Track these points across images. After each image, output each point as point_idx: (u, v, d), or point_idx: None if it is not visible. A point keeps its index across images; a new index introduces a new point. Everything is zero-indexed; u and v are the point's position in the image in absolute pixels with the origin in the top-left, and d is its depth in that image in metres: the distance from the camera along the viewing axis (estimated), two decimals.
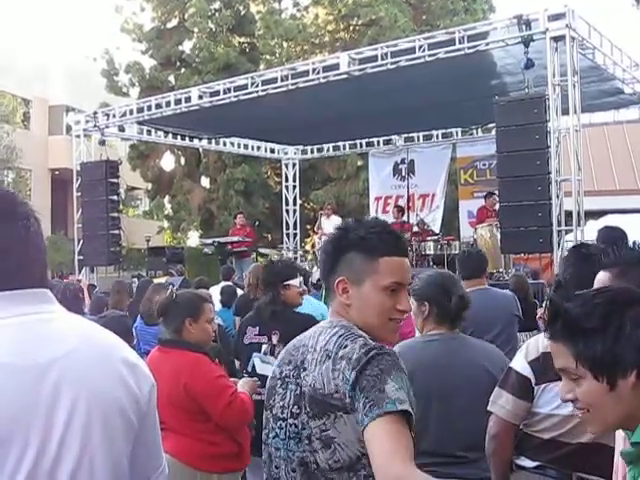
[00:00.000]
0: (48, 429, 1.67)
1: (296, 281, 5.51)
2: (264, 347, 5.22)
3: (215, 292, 9.85)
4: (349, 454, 2.25)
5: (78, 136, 18.66)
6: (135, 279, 15.79)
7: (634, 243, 2.56)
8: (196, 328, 4.61)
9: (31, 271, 1.83)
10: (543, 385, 3.42)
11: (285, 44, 30.32)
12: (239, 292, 11.05)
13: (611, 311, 1.89)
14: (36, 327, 1.77)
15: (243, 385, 4.73)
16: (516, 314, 6.33)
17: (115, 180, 17.56)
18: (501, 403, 3.53)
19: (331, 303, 2.59)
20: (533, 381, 3.45)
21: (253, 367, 5.21)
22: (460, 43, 12.58)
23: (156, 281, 11.99)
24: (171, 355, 4.47)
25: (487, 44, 12.70)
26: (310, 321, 5.34)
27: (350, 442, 2.24)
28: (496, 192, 14.46)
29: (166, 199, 32.84)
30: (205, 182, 32.11)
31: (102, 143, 18.29)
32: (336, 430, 2.25)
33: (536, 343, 3.52)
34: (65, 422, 1.70)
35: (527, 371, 3.47)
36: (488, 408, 3.60)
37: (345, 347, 2.28)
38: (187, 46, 30.94)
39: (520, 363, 3.52)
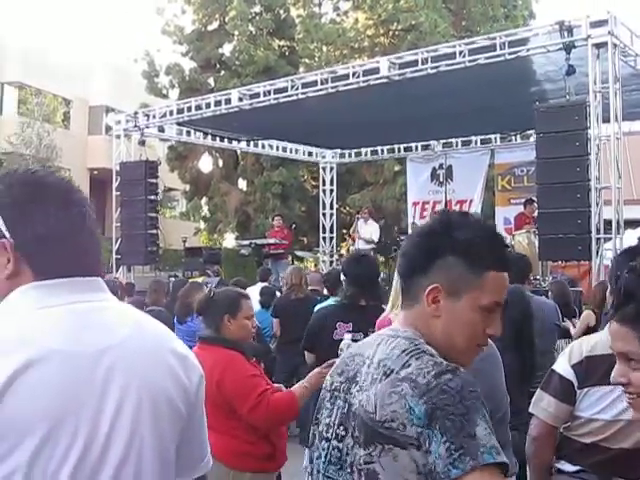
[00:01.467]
0: (98, 417, 1.68)
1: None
2: None
3: (252, 293, 9.88)
4: None
5: (118, 136, 18.82)
6: (172, 279, 15.90)
7: None
8: (234, 324, 4.62)
9: (85, 259, 1.85)
10: (586, 389, 3.41)
11: (324, 48, 30.31)
12: (278, 294, 11.14)
13: None
14: (89, 315, 1.78)
15: (310, 377, 4.68)
16: (557, 323, 6.29)
17: (154, 180, 17.71)
18: (543, 405, 3.52)
19: (406, 307, 2.15)
20: (576, 385, 3.44)
21: None
22: (501, 49, 12.56)
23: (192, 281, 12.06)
24: (208, 352, 4.43)
25: (528, 50, 12.66)
26: None
27: None
28: (534, 199, 14.41)
29: (203, 201, 32.94)
30: (242, 184, 32.19)
31: (142, 143, 18.46)
32: (380, 465, 1.86)
33: (580, 347, 3.50)
34: (115, 411, 1.71)
35: (570, 374, 3.45)
36: (530, 410, 3.60)
37: (408, 366, 1.90)
38: (227, 49, 31.02)
39: (563, 366, 3.51)
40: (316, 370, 4.74)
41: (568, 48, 11.80)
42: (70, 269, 1.79)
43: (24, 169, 1.87)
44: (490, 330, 2.09)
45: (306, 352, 5.97)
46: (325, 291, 9.81)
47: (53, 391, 1.62)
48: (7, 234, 1.77)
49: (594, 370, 3.34)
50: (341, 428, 2.01)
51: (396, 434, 1.82)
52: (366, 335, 5.05)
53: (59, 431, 1.61)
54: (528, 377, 5.09)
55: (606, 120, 11.83)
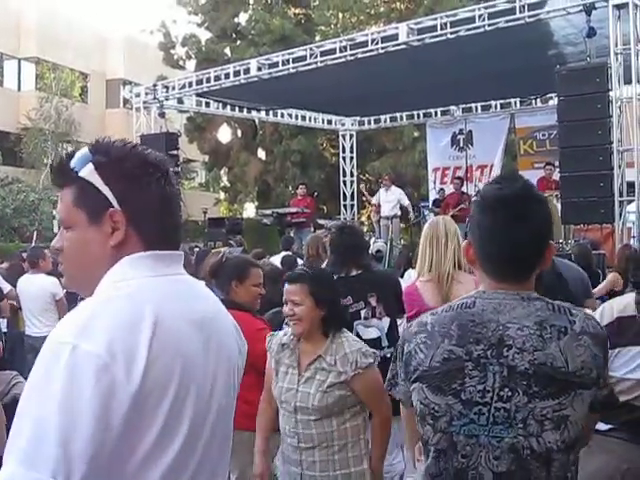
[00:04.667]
0: (205, 378, 1.79)
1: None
2: (363, 312, 5.15)
3: (275, 262, 9.94)
4: (577, 432, 2.19)
5: (138, 109, 18.88)
6: (196, 249, 15.97)
7: None
8: (242, 290, 4.83)
9: (178, 233, 1.94)
10: (617, 349, 3.44)
11: (340, 15, 30.18)
12: (300, 262, 11.18)
13: None
14: (193, 286, 1.92)
15: None
16: (587, 288, 6.19)
17: (175, 152, 17.69)
18: None
19: (520, 280, 2.30)
20: (607, 345, 3.47)
21: (357, 335, 4.88)
22: (520, 12, 12.47)
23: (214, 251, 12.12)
24: None
25: (548, 12, 12.58)
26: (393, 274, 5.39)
27: (580, 420, 2.19)
28: (553, 163, 14.37)
29: (222, 171, 32.96)
30: (261, 154, 32.21)
31: (162, 115, 18.54)
32: (572, 408, 2.16)
33: (611, 308, 3.53)
34: (212, 373, 1.81)
35: None
36: None
37: (574, 322, 2.24)
38: (243, 18, 30.99)
39: None
40: None
41: (588, 10, 11.71)
42: (170, 242, 1.88)
43: (125, 144, 1.95)
44: None
45: None
46: None
47: (178, 355, 1.69)
48: (115, 204, 1.81)
49: (626, 330, 3.38)
50: (505, 390, 2.19)
51: (583, 379, 2.19)
52: (366, 303, 5.19)
53: (188, 390, 1.70)
54: None
55: (627, 82, 11.77)
